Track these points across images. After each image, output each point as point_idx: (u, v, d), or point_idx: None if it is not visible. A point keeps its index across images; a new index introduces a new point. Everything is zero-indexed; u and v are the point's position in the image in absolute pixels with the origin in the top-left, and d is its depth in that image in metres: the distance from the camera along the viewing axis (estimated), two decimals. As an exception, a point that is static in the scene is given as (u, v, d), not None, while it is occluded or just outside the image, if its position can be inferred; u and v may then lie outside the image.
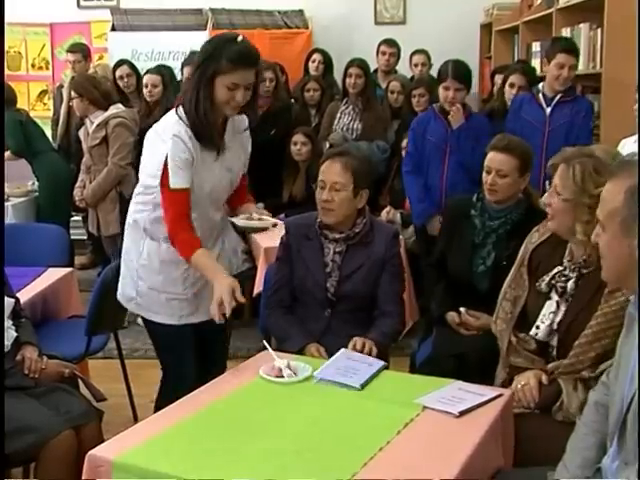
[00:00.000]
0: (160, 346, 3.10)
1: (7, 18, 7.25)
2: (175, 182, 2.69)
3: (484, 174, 3.23)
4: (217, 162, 2.82)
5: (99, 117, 5.07)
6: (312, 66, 6.34)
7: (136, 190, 2.92)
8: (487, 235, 3.24)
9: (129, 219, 2.96)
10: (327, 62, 6.40)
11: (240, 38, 2.70)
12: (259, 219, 3.02)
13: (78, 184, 5.34)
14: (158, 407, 2.43)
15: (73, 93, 5.17)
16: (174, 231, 2.74)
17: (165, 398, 2.53)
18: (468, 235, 3.28)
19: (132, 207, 2.94)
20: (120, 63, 6.11)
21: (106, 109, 5.11)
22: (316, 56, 6.38)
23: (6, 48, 7.47)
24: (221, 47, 2.66)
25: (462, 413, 2.25)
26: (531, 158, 3.25)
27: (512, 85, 4.91)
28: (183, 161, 2.69)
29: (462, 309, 3.22)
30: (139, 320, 5.18)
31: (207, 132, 2.72)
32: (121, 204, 5.12)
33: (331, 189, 3.00)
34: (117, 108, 5.16)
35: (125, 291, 3.01)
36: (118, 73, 5.98)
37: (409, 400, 2.33)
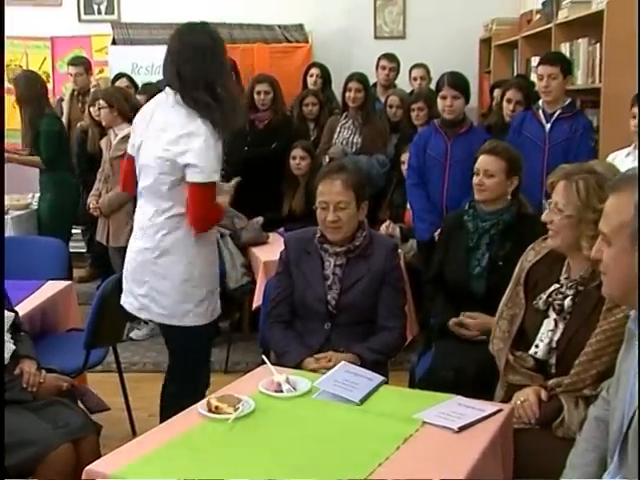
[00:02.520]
0: (193, 348, 3.15)
1: (8, 32, 7.29)
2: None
3: (474, 177, 3.36)
4: None
5: (124, 130, 5.09)
6: (310, 80, 6.37)
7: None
8: (480, 236, 3.31)
9: (164, 240, 3.02)
10: (325, 76, 6.42)
11: None
12: None
13: (93, 192, 5.31)
14: (167, 416, 2.42)
15: (102, 103, 5.17)
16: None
17: (181, 404, 2.51)
18: (463, 240, 3.35)
19: (168, 223, 3.00)
20: (119, 76, 6.14)
21: (132, 122, 5.12)
22: (314, 70, 6.41)
23: (7, 61, 7.50)
24: None
25: (462, 428, 2.24)
26: (518, 163, 3.35)
27: (509, 100, 4.93)
28: None
29: (466, 313, 3.26)
30: (133, 334, 5.21)
31: None
32: None
33: (336, 209, 3.00)
34: None
35: (177, 311, 3.05)
36: (121, 85, 5.99)
37: (408, 415, 2.33)
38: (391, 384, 2.72)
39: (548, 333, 2.62)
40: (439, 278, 3.46)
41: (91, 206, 5.26)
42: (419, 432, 2.24)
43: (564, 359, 2.56)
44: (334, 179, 3.03)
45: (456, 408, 2.37)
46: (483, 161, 3.34)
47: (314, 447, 2.17)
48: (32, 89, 5.65)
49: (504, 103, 4.98)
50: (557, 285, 2.64)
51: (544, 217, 2.66)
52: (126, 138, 5.05)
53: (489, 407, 2.39)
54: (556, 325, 2.61)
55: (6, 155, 4.89)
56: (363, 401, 2.45)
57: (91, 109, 5.62)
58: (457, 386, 2.73)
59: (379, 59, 6.46)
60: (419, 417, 2.31)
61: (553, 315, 2.63)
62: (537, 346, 2.63)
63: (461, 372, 2.99)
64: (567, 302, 2.59)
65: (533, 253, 2.77)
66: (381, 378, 2.63)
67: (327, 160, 5.48)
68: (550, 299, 2.63)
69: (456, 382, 2.90)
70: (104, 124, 5.29)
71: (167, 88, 3.04)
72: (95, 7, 7.56)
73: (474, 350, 3.16)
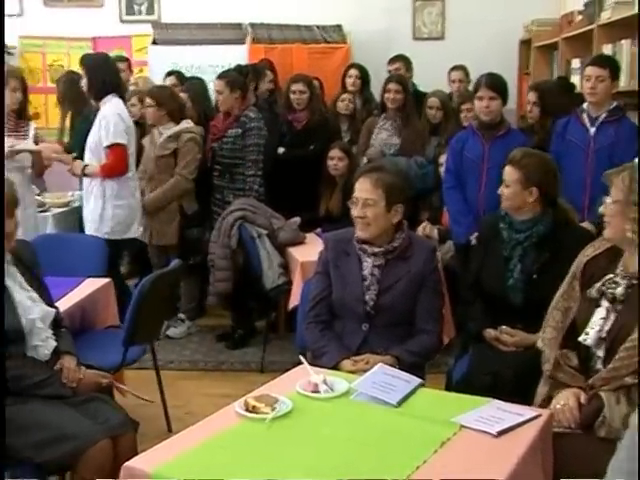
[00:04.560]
0: None
1: (52, 32, 7.46)
2: None
3: None
4: None
5: (170, 129, 5.15)
6: (349, 81, 6.36)
7: None
8: (514, 248, 3.28)
9: None
10: (364, 77, 6.41)
11: None
12: None
13: None
14: None
15: (150, 101, 5.22)
16: None
17: None
18: (499, 249, 3.33)
19: None
20: (169, 73, 6.21)
21: (178, 122, 5.17)
22: (353, 71, 6.40)
23: (50, 61, 7.61)
24: None
25: (500, 433, 2.22)
26: (539, 173, 3.26)
27: (527, 102, 4.90)
28: None
29: (503, 327, 3.22)
30: (170, 332, 5.25)
31: None
32: (181, 217, 5.22)
33: (363, 205, 3.04)
34: (188, 123, 5.25)
35: None
36: (168, 82, 6.06)
37: (446, 418, 2.31)
38: (428, 387, 2.70)
39: (599, 321, 2.61)
40: (477, 284, 3.44)
41: None
42: (457, 436, 2.23)
43: (612, 351, 2.54)
44: (366, 177, 3.08)
45: (494, 412, 2.35)
46: (504, 170, 3.36)
47: (351, 448, 2.16)
48: (72, 89, 5.71)
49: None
50: (611, 275, 2.64)
51: (600, 210, 2.67)
52: (173, 137, 5.13)
53: (528, 412, 2.36)
54: (607, 314, 2.61)
55: (50, 155, 4.96)
56: (401, 403, 2.44)
57: (131, 108, 5.68)
58: (494, 390, 2.71)
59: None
60: (457, 421, 2.29)
61: (605, 304, 2.63)
62: (587, 333, 2.62)
63: (498, 376, 2.97)
64: (619, 290, 2.59)
65: (592, 249, 2.77)
66: (419, 380, 2.61)
67: (365, 161, 5.47)
68: (603, 287, 2.63)
69: (493, 386, 2.88)
70: (150, 122, 5.32)
71: None
72: (136, 8, 7.63)
73: (512, 354, 3.15)
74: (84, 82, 4.88)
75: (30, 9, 7.67)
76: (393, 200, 3.06)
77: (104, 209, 4.89)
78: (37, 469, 2.59)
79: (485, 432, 2.23)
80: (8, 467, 2.67)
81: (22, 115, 4.90)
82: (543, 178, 3.26)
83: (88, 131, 5.04)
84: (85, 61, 4.92)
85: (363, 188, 3.06)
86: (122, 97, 5.05)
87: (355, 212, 3.06)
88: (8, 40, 7.42)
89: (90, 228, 4.94)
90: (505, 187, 3.30)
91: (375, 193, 3.03)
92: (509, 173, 3.30)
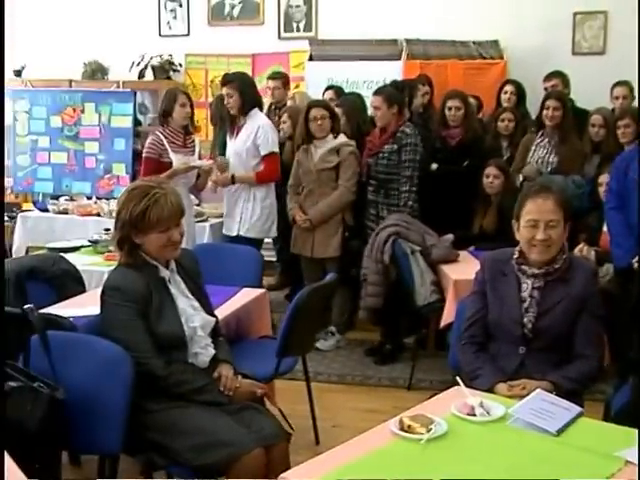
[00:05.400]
0: None
1: (214, 50, 7.79)
2: None
3: None
4: None
5: (328, 143, 5.24)
6: (504, 97, 6.27)
7: None
8: None
9: None
10: (520, 93, 6.30)
11: None
12: None
13: (292, 206, 5.45)
14: None
15: (326, 112, 5.32)
16: None
17: None
18: None
19: None
20: (328, 88, 6.34)
21: (336, 137, 5.28)
22: (508, 87, 6.31)
23: (211, 77, 7.93)
24: None
25: (670, 471, 2.10)
26: None
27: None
28: None
29: None
30: (319, 344, 5.31)
31: None
32: (344, 228, 5.32)
33: (547, 227, 2.93)
34: (344, 137, 5.35)
35: None
36: (326, 97, 6.17)
37: (609, 452, 2.21)
38: (585, 416, 2.60)
39: None
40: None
41: (297, 218, 5.38)
42: (622, 472, 2.12)
43: None
44: (548, 197, 2.96)
45: (662, 449, 2.23)
46: None
47: (508, 476, 2.10)
48: (222, 110, 5.95)
49: None
50: None
51: None
52: (333, 150, 5.24)
53: (698, 451, 2.23)
54: None
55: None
56: (560, 432, 2.36)
57: (282, 125, 5.85)
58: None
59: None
60: (622, 455, 2.19)
61: None
62: None
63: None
64: None
65: None
66: (579, 409, 2.52)
67: (521, 179, 5.35)
68: None
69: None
70: (319, 135, 5.34)
71: None
72: (294, 25, 7.81)
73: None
74: (235, 98, 5.20)
75: (196, 28, 8.06)
76: (567, 219, 2.98)
77: (254, 210, 5.37)
78: (193, 472, 2.68)
79: (653, 470, 2.12)
80: (166, 468, 2.80)
81: (188, 130, 5.16)
82: None
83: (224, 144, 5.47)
84: (231, 78, 5.33)
85: (545, 209, 2.95)
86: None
87: (538, 235, 2.93)
88: (176, 58, 7.88)
89: (239, 229, 5.41)
90: None
91: (558, 213, 2.94)
92: None
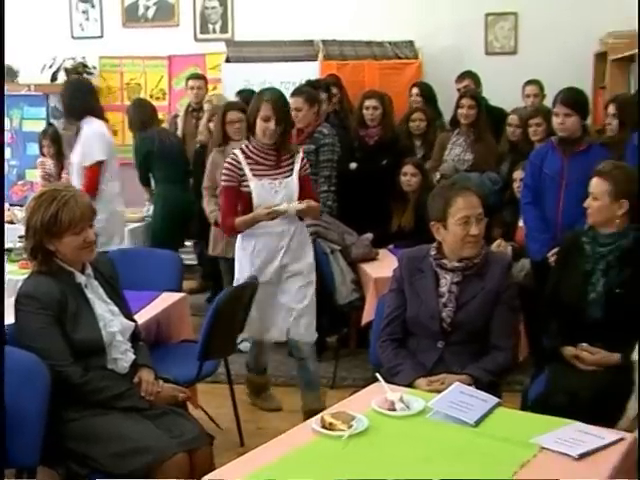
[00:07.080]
0: None
1: (129, 52, 7.67)
2: None
3: None
4: None
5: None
6: (411, 100, 6.41)
7: None
8: (596, 261, 3.23)
9: None
10: (427, 94, 6.41)
11: None
12: None
13: (212, 208, 5.25)
14: None
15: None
16: None
17: None
18: (580, 263, 3.28)
19: None
20: (240, 92, 6.29)
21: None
22: (414, 90, 6.48)
23: (127, 80, 7.82)
24: None
25: (582, 456, 2.17)
26: (627, 186, 3.22)
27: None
28: None
29: (583, 345, 3.16)
30: (241, 346, 5.26)
31: None
32: None
33: (477, 221, 3.00)
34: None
35: None
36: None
37: (525, 439, 2.27)
38: (503, 406, 2.66)
39: None
40: (554, 300, 3.38)
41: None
42: (537, 458, 2.18)
43: None
44: (470, 194, 3.04)
45: (575, 434, 2.29)
46: (592, 183, 3.30)
47: (428, 468, 2.13)
48: (138, 114, 5.93)
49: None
50: None
51: None
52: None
53: (610, 435, 2.31)
54: None
55: None
56: (478, 423, 2.41)
57: (210, 124, 5.77)
58: (572, 411, 2.64)
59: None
60: (537, 442, 2.25)
61: None
62: None
63: (576, 397, 2.91)
64: None
65: None
66: (496, 400, 2.58)
67: (438, 177, 5.44)
68: None
69: (571, 407, 2.82)
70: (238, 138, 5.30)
71: None
72: (210, 27, 7.76)
73: (590, 374, 3.09)
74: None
75: (109, 31, 7.92)
76: (485, 214, 3.06)
77: None
78: (114, 480, 2.64)
79: (565, 454, 2.18)
80: (87, 477, 2.73)
81: None
82: (633, 190, 3.20)
83: (149, 153, 5.53)
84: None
85: (472, 205, 3.01)
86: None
87: (473, 230, 2.98)
88: (90, 61, 7.72)
89: None
90: (592, 200, 3.25)
91: (480, 207, 3.03)
92: (597, 185, 3.25)
